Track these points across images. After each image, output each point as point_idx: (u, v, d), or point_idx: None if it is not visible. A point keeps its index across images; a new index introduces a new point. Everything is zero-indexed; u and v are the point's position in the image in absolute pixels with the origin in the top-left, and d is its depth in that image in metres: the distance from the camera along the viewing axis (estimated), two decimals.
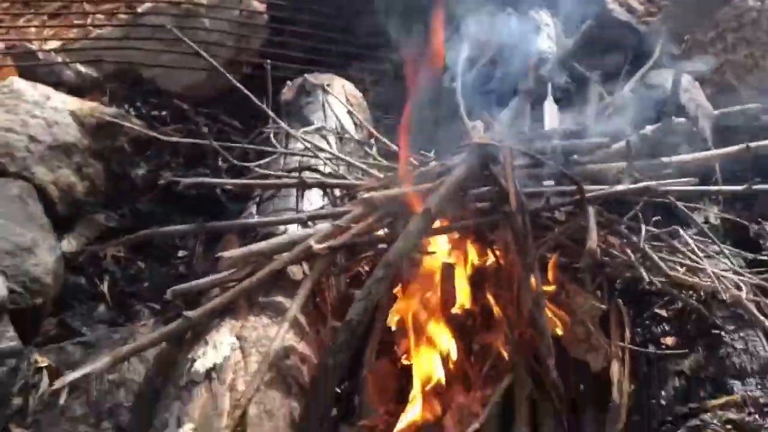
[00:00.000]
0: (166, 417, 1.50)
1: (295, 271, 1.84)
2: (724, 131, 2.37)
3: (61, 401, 1.63)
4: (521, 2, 2.95)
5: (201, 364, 1.57)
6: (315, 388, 1.57)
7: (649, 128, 2.08)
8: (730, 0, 2.75)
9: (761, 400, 1.54)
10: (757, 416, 1.50)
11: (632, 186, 1.83)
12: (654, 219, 1.95)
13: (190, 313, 1.66)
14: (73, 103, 2.63)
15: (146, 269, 2.45)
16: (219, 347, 1.60)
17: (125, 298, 2.34)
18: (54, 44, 3.20)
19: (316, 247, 1.72)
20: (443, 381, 1.83)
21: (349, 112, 2.51)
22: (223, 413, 1.46)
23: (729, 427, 1.49)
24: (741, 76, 2.66)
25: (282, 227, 1.96)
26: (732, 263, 1.85)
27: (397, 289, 1.95)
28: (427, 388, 1.81)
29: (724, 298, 1.69)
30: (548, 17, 2.93)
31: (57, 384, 1.60)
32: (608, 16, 2.97)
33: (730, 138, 2.23)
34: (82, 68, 2.96)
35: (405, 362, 1.90)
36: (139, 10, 3.21)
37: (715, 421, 1.52)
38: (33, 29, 3.57)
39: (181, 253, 2.51)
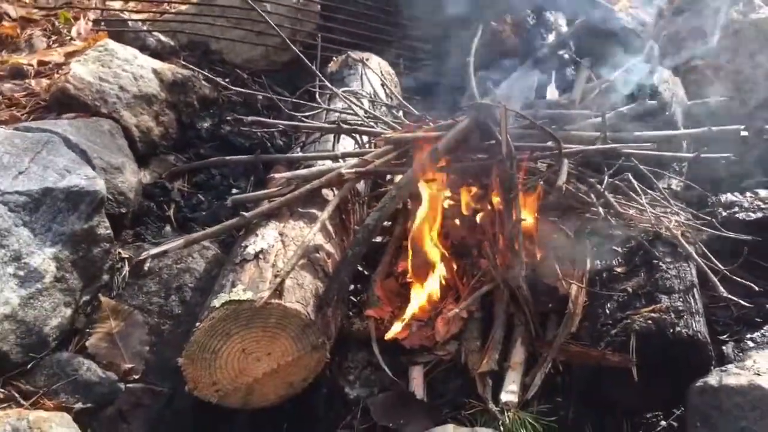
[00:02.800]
0: (223, 283, 2.00)
1: (328, 193, 2.32)
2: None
3: (146, 267, 2.14)
4: (544, 5, 3.44)
5: (252, 249, 2.06)
6: (336, 272, 2.05)
7: (625, 107, 2.53)
8: (719, 14, 3.18)
9: (680, 308, 1.98)
10: (673, 317, 1.94)
11: (600, 146, 2.28)
12: (622, 178, 2.40)
13: (246, 213, 2.16)
14: (155, 63, 3.16)
15: (205, 201, 2.91)
16: (266, 238, 2.10)
17: (187, 222, 2.79)
18: (139, 16, 3.75)
19: (346, 171, 2.21)
20: (437, 293, 2.31)
21: (383, 84, 2.99)
22: (266, 280, 1.94)
23: (649, 322, 1.93)
24: (721, 77, 3.08)
25: (320, 162, 2.45)
26: (677, 215, 2.29)
27: (408, 224, 2.42)
28: (424, 296, 2.29)
29: (662, 233, 2.13)
30: (562, 19, 3.39)
31: (143, 255, 2.11)
32: (615, 22, 3.40)
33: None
34: (162, 37, 3.49)
35: (407, 280, 2.38)
36: None
37: (640, 320, 1.96)
38: (118, 5, 4.16)
39: (234, 191, 3.00)
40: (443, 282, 2.33)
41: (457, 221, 2.40)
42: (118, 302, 2.24)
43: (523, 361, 2.14)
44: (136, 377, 2.07)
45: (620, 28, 3.32)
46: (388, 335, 2.21)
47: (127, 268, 2.39)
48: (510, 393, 2.02)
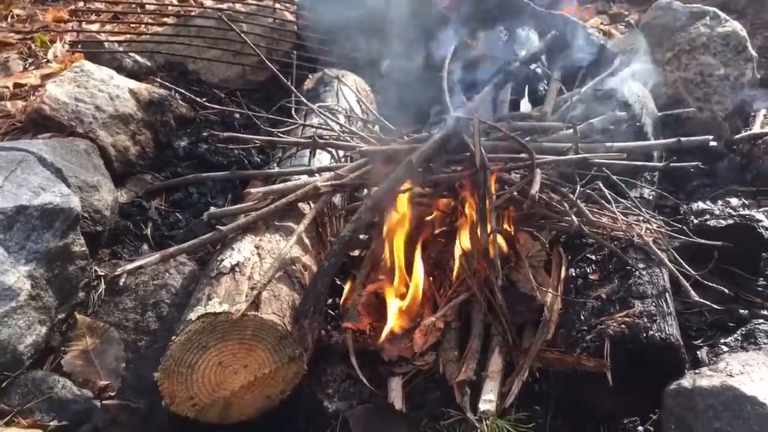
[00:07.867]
0: (199, 296, 1.99)
1: (304, 207, 2.34)
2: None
3: (121, 283, 2.13)
4: (515, 22, 3.51)
5: (228, 262, 2.06)
6: (312, 283, 2.06)
7: (596, 119, 2.57)
8: (686, 27, 3.25)
9: (653, 312, 2.00)
10: (646, 321, 1.96)
11: (572, 156, 2.31)
12: (594, 187, 2.44)
13: (222, 228, 2.17)
14: (132, 83, 3.17)
15: (182, 219, 2.91)
16: (242, 251, 2.10)
17: (164, 240, 2.79)
18: (115, 38, 3.76)
19: (321, 185, 2.22)
20: (415, 304, 2.32)
21: (358, 100, 3.02)
22: (242, 292, 1.94)
23: (623, 326, 1.96)
24: (690, 90, 3.15)
25: (296, 176, 2.46)
26: (649, 223, 2.33)
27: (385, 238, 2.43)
28: (402, 308, 2.30)
29: (635, 240, 2.16)
30: (534, 34, 3.45)
31: (118, 271, 2.10)
32: (586, 38, 3.47)
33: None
34: (139, 58, 3.51)
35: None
36: (192, 13, 3.79)
37: (614, 325, 1.98)
38: (95, 27, 4.18)
39: (212, 209, 2.99)
40: (420, 292, 2.33)
41: (433, 232, 2.42)
42: (94, 319, 2.22)
43: (500, 370, 2.15)
44: (112, 394, 2.05)
45: (591, 42, 3.40)
46: (382, 338, 2.21)
47: (103, 286, 2.38)
48: (488, 402, 2.03)
